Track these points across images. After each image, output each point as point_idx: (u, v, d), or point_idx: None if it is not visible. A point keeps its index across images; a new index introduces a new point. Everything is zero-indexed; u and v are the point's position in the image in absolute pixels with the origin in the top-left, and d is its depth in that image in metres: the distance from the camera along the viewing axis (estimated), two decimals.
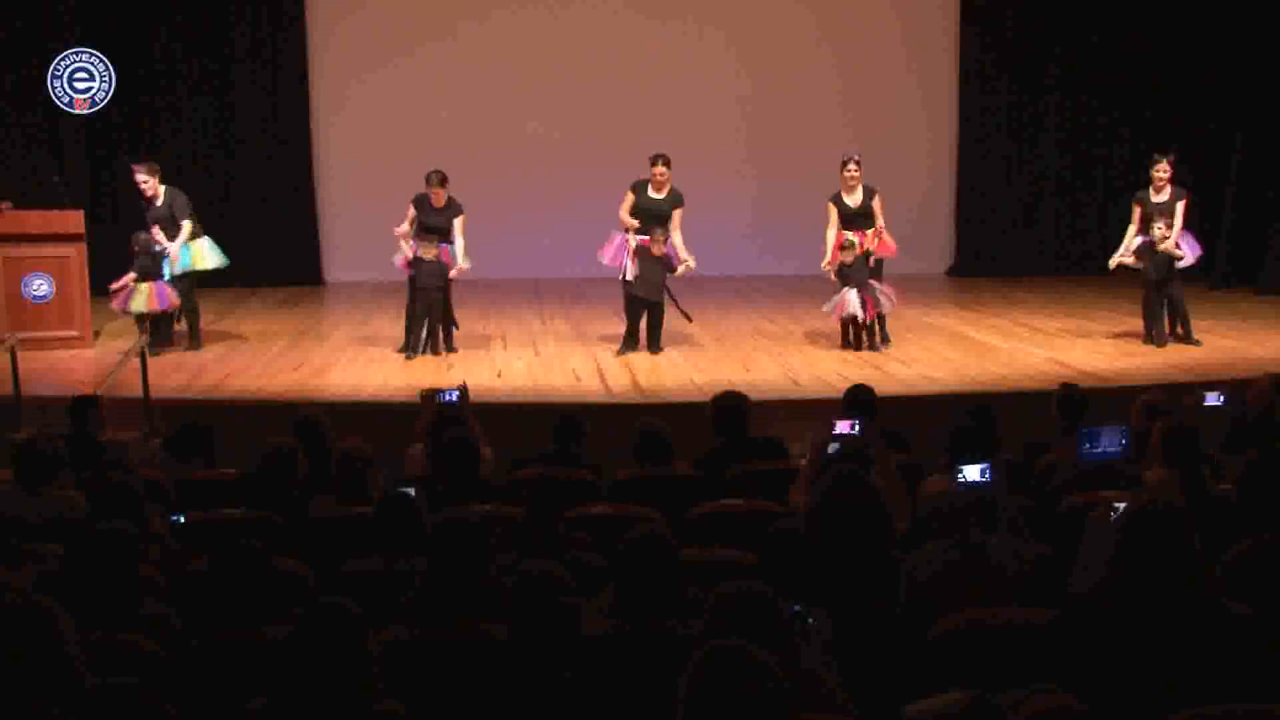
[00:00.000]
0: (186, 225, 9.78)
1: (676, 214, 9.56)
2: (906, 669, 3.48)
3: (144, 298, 9.64)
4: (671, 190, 9.56)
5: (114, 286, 9.72)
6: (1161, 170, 9.74)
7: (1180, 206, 9.76)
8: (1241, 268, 12.91)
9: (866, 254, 9.72)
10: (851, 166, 9.69)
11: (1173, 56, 13.90)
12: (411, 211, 9.72)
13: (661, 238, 9.46)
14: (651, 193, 9.57)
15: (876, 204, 9.79)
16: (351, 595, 3.38)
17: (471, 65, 13.81)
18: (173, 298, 9.77)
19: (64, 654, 2.93)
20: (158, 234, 9.72)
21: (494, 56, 13.84)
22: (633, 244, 9.55)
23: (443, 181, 9.64)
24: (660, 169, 9.47)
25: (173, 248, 9.70)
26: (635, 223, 9.56)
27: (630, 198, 9.62)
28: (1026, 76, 14.45)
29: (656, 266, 9.54)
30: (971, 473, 4.22)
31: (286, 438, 5.55)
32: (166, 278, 9.71)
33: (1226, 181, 12.98)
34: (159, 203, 9.80)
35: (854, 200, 9.75)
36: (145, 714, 2.96)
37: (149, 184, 9.72)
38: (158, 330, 9.87)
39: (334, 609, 3.08)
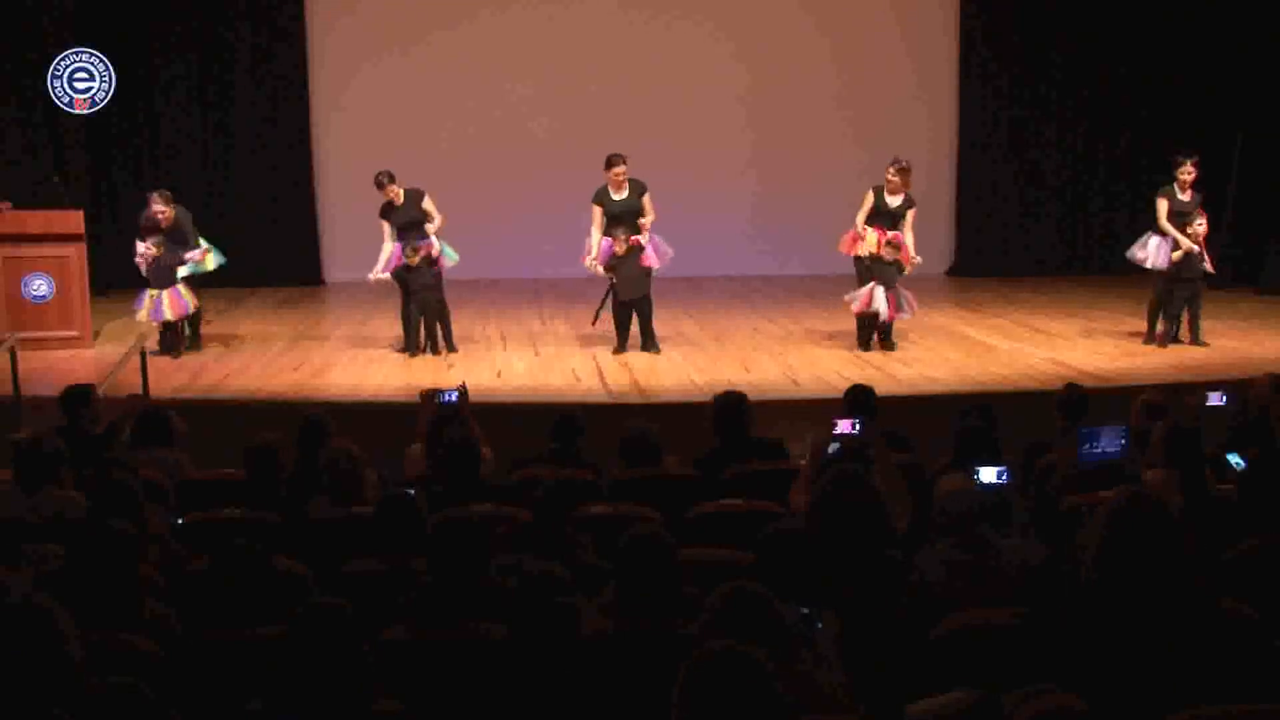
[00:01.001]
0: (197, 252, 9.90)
1: (646, 200, 9.55)
2: (911, 668, 3.48)
3: (189, 297, 9.78)
4: (631, 183, 9.50)
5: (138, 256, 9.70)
6: (1187, 172, 9.66)
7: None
8: (1242, 268, 12.90)
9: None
10: (891, 170, 9.65)
11: (1173, 56, 13.90)
12: (387, 225, 9.72)
13: (623, 236, 9.46)
14: (614, 194, 9.52)
15: (909, 216, 9.77)
16: (351, 595, 3.37)
17: (472, 65, 13.81)
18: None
19: (64, 654, 2.92)
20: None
21: (494, 56, 13.84)
22: (600, 269, 9.59)
23: (391, 178, 9.62)
24: (620, 169, 9.41)
25: (194, 253, 9.81)
26: (595, 263, 9.57)
27: (598, 211, 9.55)
28: (1027, 77, 14.46)
29: (630, 263, 9.54)
30: (988, 474, 4.22)
31: (268, 435, 5.53)
32: (179, 278, 9.74)
33: (1227, 181, 12.97)
34: (172, 226, 9.79)
35: (893, 202, 9.72)
36: (145, 714, 2.95)
37: (165, 213, 9.70)
38: (165, 337, 9.86)
39: (328, 609, 3.08)
